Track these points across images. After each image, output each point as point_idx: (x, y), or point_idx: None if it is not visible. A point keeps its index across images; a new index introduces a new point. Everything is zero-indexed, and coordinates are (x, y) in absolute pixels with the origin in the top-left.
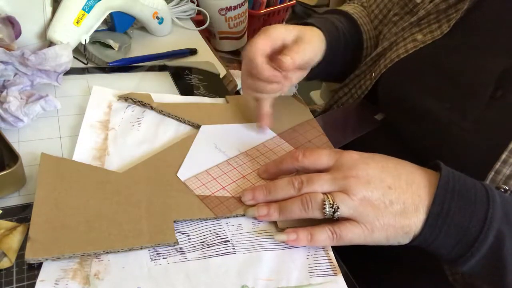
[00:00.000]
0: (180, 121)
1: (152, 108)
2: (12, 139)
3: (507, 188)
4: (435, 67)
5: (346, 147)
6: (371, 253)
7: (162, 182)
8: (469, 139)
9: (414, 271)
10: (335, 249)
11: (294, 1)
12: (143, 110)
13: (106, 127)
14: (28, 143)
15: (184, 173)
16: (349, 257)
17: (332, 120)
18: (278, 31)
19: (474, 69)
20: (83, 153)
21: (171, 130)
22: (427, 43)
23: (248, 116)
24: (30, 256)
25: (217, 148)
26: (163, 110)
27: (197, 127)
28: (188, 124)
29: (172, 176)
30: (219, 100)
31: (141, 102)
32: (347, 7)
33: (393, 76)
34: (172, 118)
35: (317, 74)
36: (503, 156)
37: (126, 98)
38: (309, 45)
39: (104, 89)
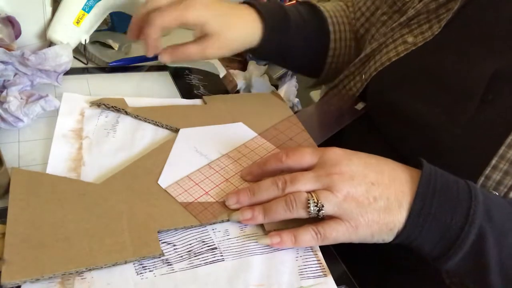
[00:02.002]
0: (158, 125)
1: (127, 113)
2: (12, 139)
3: (497, 194)
4: (426, 70)
5: (329, 141)
6: (369, 254)
7: (142, 191)
8: (458, 144)
9: (413, 273)
10: (335, 249)
11: (295, 1)
12: (118, 115)
13: (80, 136)
14: (28, 143)
15: (165, 180)
16: (348, 257)
17: (311, 115)
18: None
19: (464, 72)
20: (57, 165)
21: (148, 136)
22: (418, 46)
23: (228, 116)
24: (6, 280)
25: (198, 151)
26: (139, 115)
27: (176, 130)
28: (166, 128)
29: (152, 184)
30: (197, 101)
31: (115, 107)
32: (327, 5)
33: (383, 79)
34: (149, 122)
35: (266, 53)
36: (493, 162)
37: (99, 104)
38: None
39: (76, 96)
